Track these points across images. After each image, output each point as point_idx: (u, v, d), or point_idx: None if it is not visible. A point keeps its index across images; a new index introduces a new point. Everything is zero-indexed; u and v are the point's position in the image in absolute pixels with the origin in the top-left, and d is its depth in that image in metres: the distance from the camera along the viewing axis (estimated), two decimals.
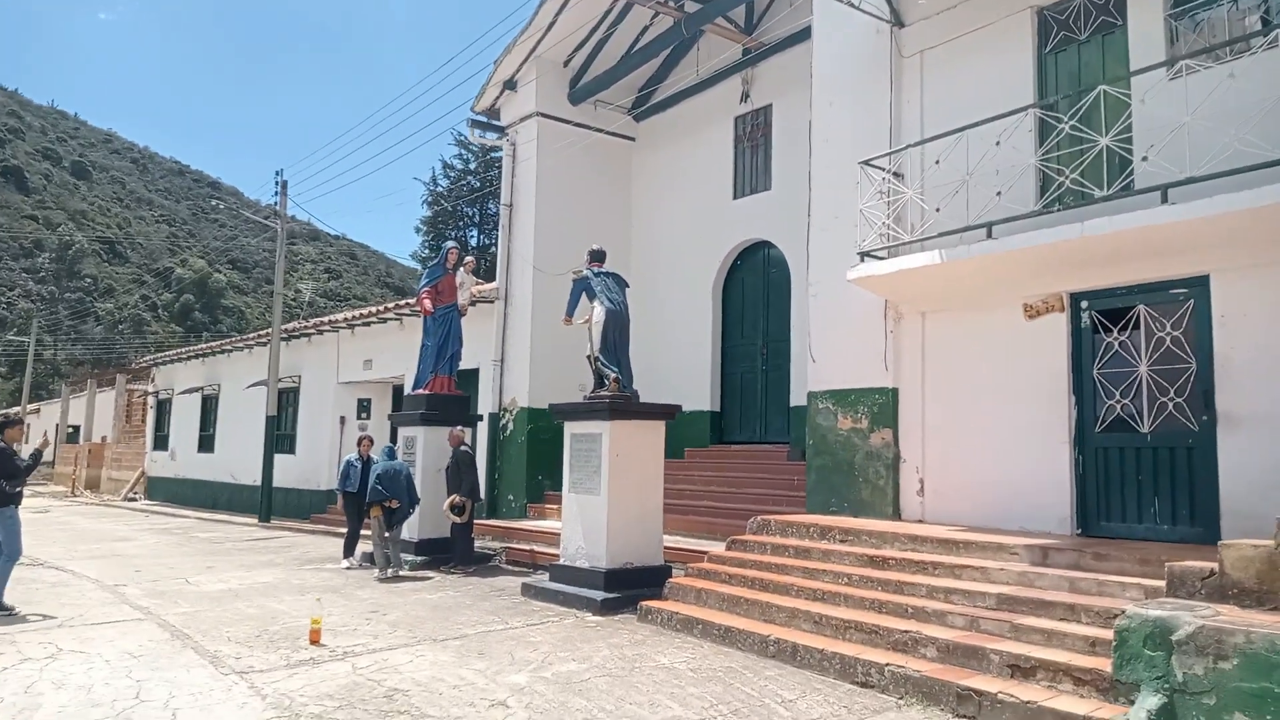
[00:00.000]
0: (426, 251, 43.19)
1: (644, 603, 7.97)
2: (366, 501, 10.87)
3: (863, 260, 8.59)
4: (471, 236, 42.91)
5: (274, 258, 20.70)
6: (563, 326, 14.29)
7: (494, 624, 7.89)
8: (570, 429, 9.31)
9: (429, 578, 10.83)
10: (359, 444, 12.07)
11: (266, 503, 18.71)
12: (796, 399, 12.38)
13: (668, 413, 9.30)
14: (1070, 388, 7.71)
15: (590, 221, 15.04)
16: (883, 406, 8.98)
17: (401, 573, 11.02)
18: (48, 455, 28.01)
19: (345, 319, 18.55)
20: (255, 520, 18.88)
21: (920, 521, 8.58)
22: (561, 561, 9.22)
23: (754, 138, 13.68)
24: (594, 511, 8.87)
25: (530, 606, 8.73)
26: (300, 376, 20.70)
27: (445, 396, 12.14)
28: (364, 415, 19.61)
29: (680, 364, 14.01)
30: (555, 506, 13.31)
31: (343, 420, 19.39)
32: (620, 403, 8.88)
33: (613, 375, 9.02)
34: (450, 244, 12.31)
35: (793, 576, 7.54)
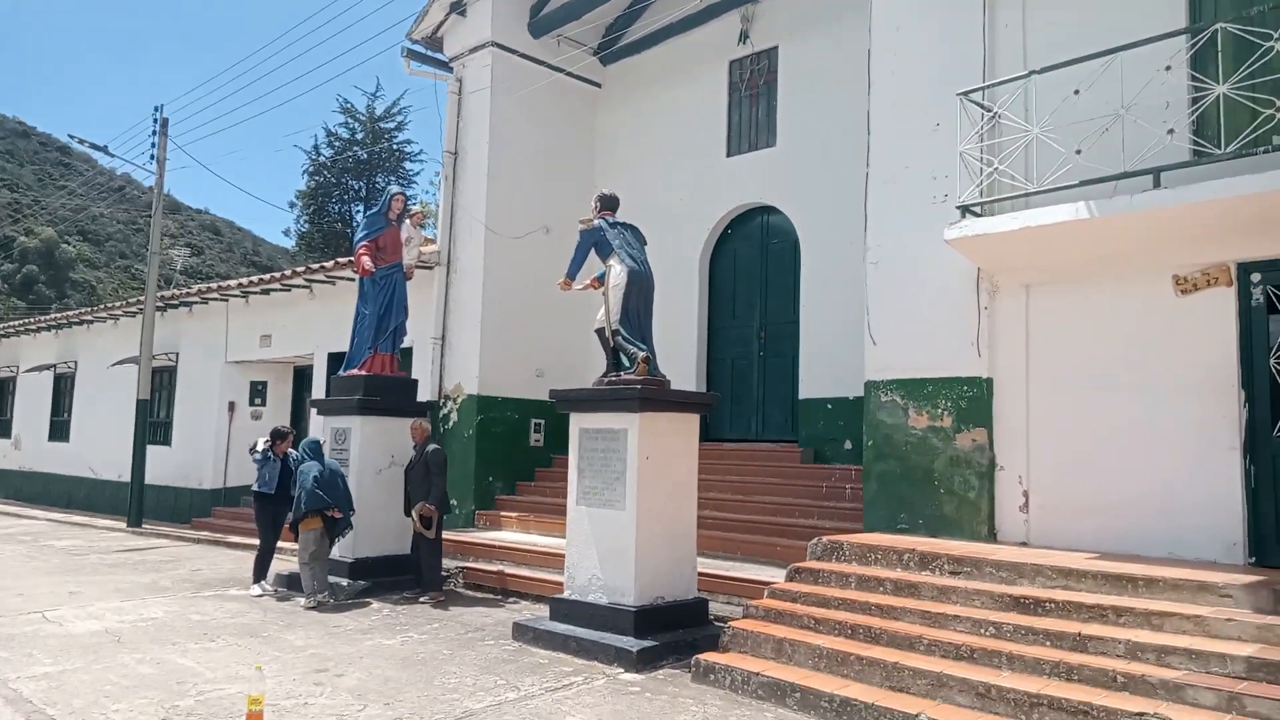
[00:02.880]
0: (305, 226, 39.55)
1: (701, 657, 5.98)
2: (302, 509, 8.44)
3: (964, 217, 6.83)
4: (357, 212, 39.57)
5: (129, 230, 17.51)
6: (516, 298, 11.93)
7: (500, 690, 5.74)
8: (580, 423, 7.21)
9: (369, 607, 8.50)
10: (276, 441, 9.52)
11: (137, 504, 15.63)
12: (807, 390, 10.63)
13: (704, 403, 7.33)
14: (1240, 381, 6.17)
15: (549, 179, 12.87)
16: (973, 401, 7.28)
17: (335, 600, 8.64)
18: None
19: (239, 285, 15.66)
20: (124, 524, 15.75)
21: (1024, 545, 6.93)
22: (567, 595, 7.12)
23: (754, 85, 11.80)
24: (616, 531, 6.81)
25: (533, 658, 6.59)
26: (178, 354, 17.59)
27: (388, 379, 9.75)
28: (258, 401, 16.75)
29: (658, 349, 11.94)
30: (511, 515, 11.15)
31: (232, 406, 16.49)
32: (653, 390, 6.84)
33: (642, 354, 6.96)
34: (394, 189, 9.91)
35: (910, 623, 5.72)
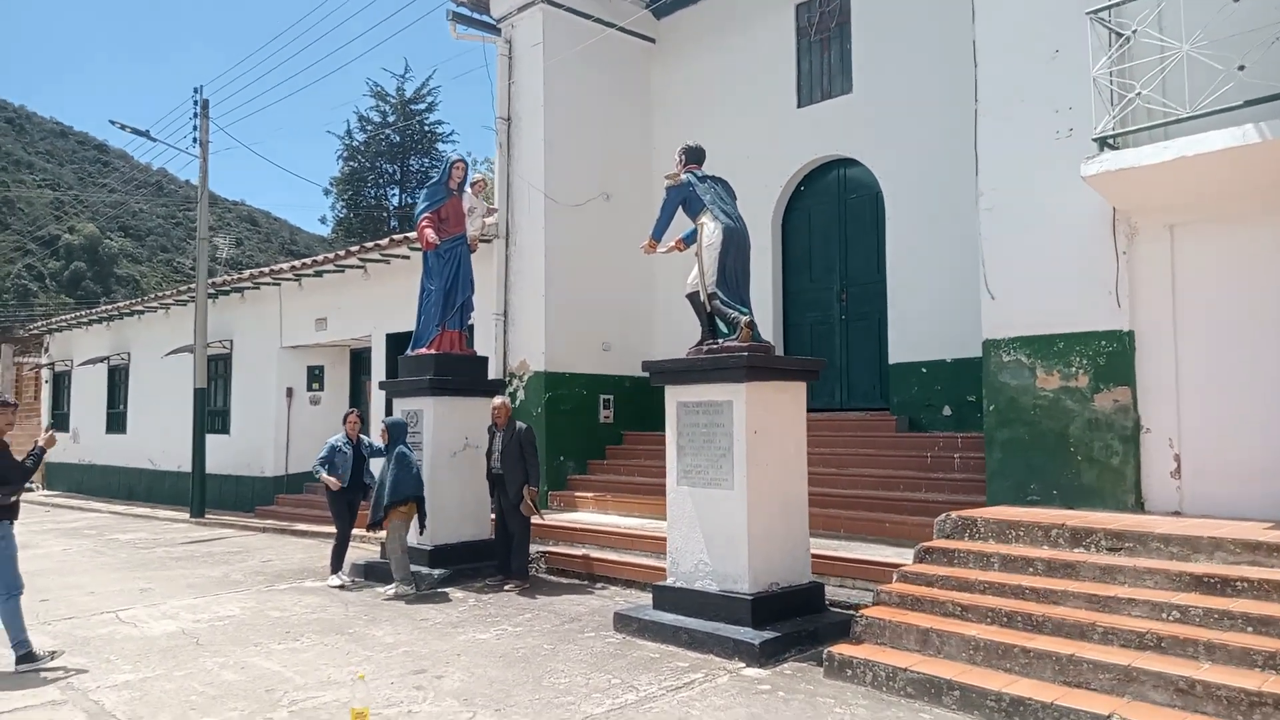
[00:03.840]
0: (342, 212, 39.31)
1: (834, 650, 5.40)
2: (394, 497, 8.01)
3: (1102, 150, 6.08)
4: (393, 196, 39.24)
5: (169, 224, 17.19)
6: (579, 269, 11.82)
7: (616, 691, 5.22)
8: (678, 396, 6.63)
9: (453, 597, 8.06)
10: (345, 422, 9.10)
11: (200, 494, 15.44)
12: (897, 354, 9.94)
13: (812, 369, 6.70)
14: None
15: (606, 144, 12.24)
16: (1112, 357, 6.57)
17: (417, 590, 8.22)
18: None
19: (291, 268, 15.28)
20: (187, 515, 15.59)
21: (1178, 514, 6.24)
22: (671, 582, 6.58)
23: (824, 29, 11.01)
24: (724, 512, 6.24)
25: (642, 651, 6.08)
26: (232, 341, 17.33)
27: (458, 357, 9.25)
28: (316, 385, 16.43)
29: None
30: (586, 495, 10.66)
31: (290, 392, 16.18)
32: (760, 356, 6.23)
33: (745, 318, 6.34)
34: (455, 156, 9.34)
35: (1075, 608, 5.08)
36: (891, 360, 10.00)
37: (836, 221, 10.96)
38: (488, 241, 11.57)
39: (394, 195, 39.27)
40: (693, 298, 6.88)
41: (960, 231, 9.42)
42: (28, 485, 6.68)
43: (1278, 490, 5.88)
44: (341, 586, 8.59)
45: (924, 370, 9.68)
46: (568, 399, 11.50)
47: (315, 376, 16.49)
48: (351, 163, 38.32)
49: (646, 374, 12.10)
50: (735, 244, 6.61)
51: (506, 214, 11.90)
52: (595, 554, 8.76)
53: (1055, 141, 6.85)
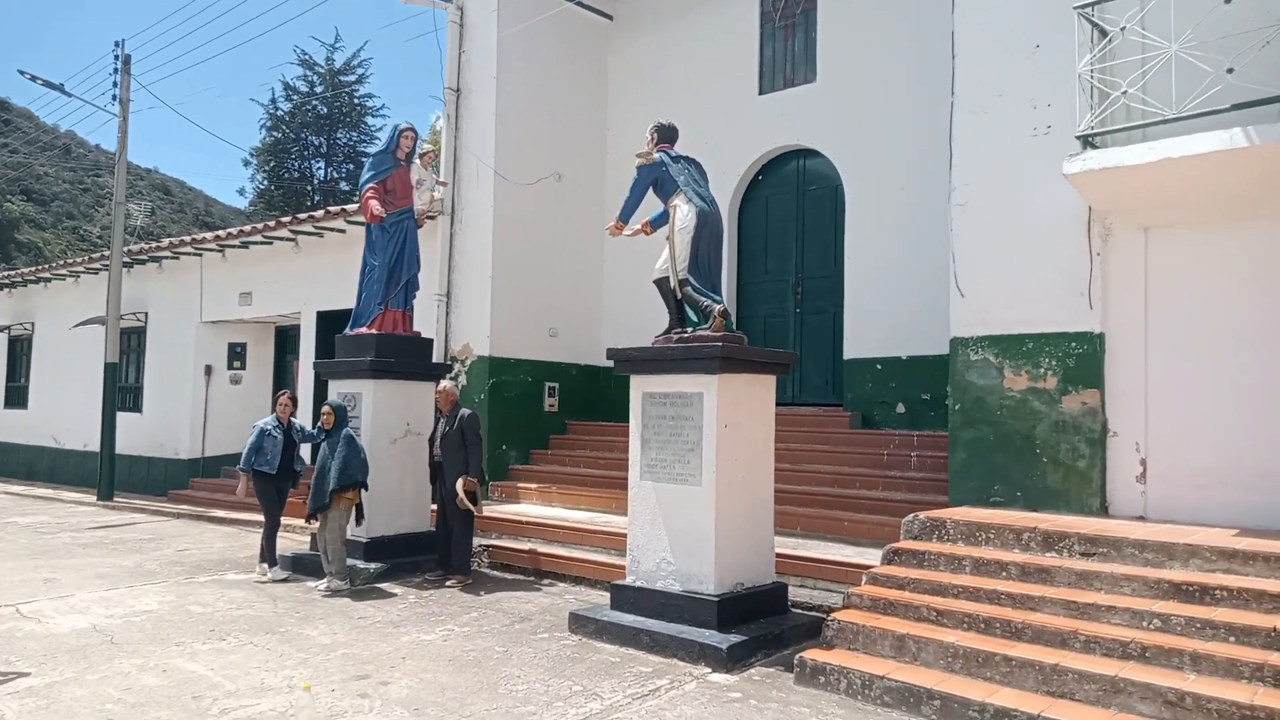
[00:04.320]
0: (263, 184, 37.77)
1: (806, 656, 5.18)
2: (342, 481, 7.50)
3: (1085, 148, 5.98)
4: (318, 169, 37.87)
5: (75, 189, 16.11)
6: (527, 251, 11.56)
7: (579, 700, 4.89)
8: (644, 386, 6.31)
9: (392, 593, 7.61)
10: (277, 405, 8.52)
11: (108, 475, 14.48)
12: (853, 349, 9.82)
13: (784, 362, 6.46)
14: None
15: (559, 122, 11.83)
16: (1082, 359, 6.50)
17: (352, 585, 7.74)
18: None
19: (215, 238, 14.41)
20: (94, 497, 14.61)
21: (1141, 519, 6.21)
22: (631, 581, 6.27)
23: (790, 14, 10.79)
24: (690, 509, 5.96)
25: (601, 655, 5.76)
26: (147, 314, 16.31)
27: (401, 338, 8.75)
28: (237, 364, 15.59)
29: None
30: (530, 486, 10.28)
31: (209, 370, 15.30)
32: (734, 348, 5.95)
33: (719, 307, 6.06)
34: (403, 124, 8.78)
35: (1053, 615, 4.96)
36: (846, 355, 9.88)
37: (794, 213, 10.78)
38: (433, 218, 11.03)
39: (319, 169, 37.89)
40: (661, 283, 6.57)
41: (922, 228, 9.36)
42: None
43: (1240, 497, 5.88)
44: (267, 580, 8.03)
45: (879, 366, 9.58)
46: (512, 386, 11.08)
47: (237, 354, 15.64)
48: (275, 133, 36.73)
49: (593, 363, 12.09)
50: (709, 228, 6.32)
51: (453, 190, 11.38)
52: (542, 549, 8.40)
53: (1033, 138, 6.74)
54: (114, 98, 15.43)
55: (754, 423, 6.21)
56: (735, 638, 5.57)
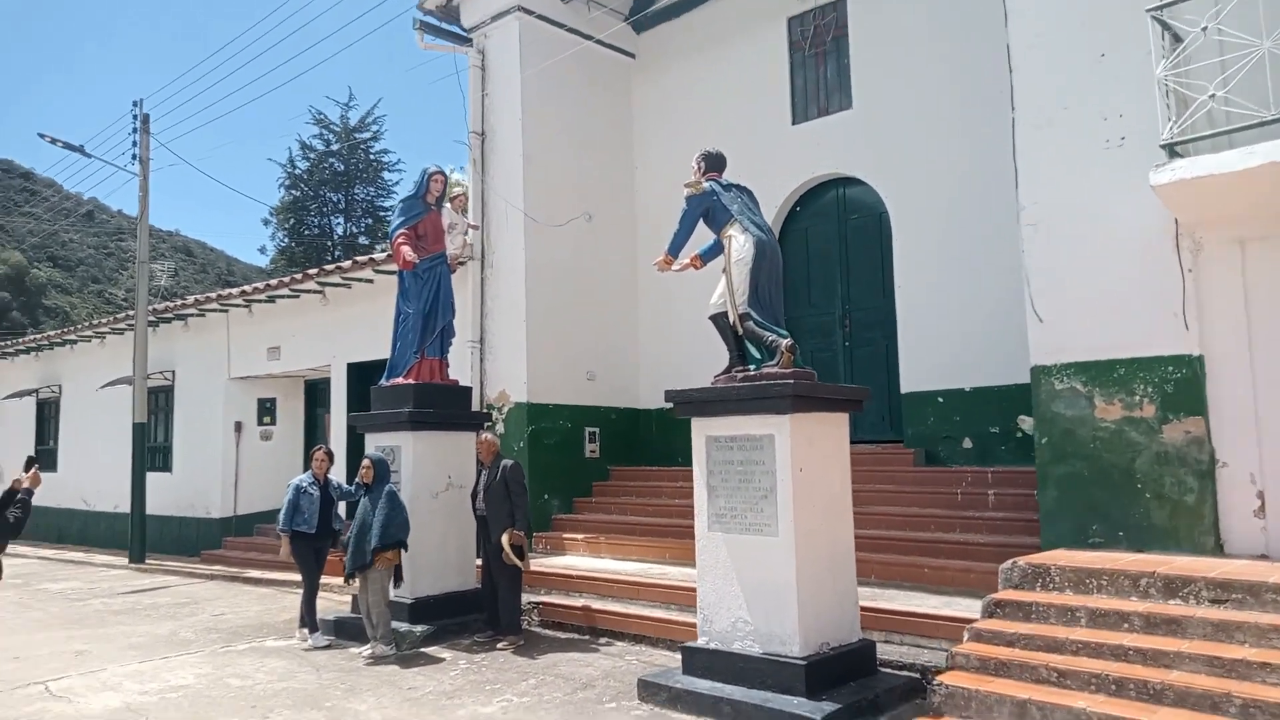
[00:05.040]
0: (284, 241, 37.98)
1: None
2: (383, 540, 7.10)
3: (1171, 157, 5.55)
4: (337, 225, 38.07)
5: (100, 254, 16.07)
6: (560, 294, 11.43)
7: None
8: (708, 429, 5.88)
9: (440, 659, 7.14)
10: (313, 461, 8.15)
11: (139, 537, 14.16)
12: (910, 383, 9.35)
13: (858, 399, 6.02)
14: None
15: (585, 162, 11.57)
16: (1180, 384, 6.01)
17: (398, 650, 7.28)
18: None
19: (241, 293, 14.20)
20: (125, 560, 14.27)
21: (1264, 558, 5.66)
22: (704, 643, 5.78)
23: (820, 42, 10.49)
24: (766, 562, 5.49)
25: None
26: (174, 372, 16.09)
27: (439, 387, 8.38)
28: (267, 420, 15.29)
29: (716, 345, 10.59)
30: (575, 536, 9.81)
31: (238, 426, 15.01)
32: (806, 385, 5.52)
33: (785, 342, 5.65)
34: (432, 168, 8.51)
35: (1194, 673, 4.44)
36: (904, 389, 9.40)
37: (837, 243, 10.38)
38: (463, 263, 10.71)
39: (338, 224, 38.12)
40: (719, 319, 6.17)
41: (976, 251, 8.95)
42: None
43: None
44: (312, 647, 7.59)
45: (940, 400, 9.09)
46: (551, 432, 10.67)
47: (266, 410, 15.35)
48: (294, 191, 37.05)
49: (632, 405, 11.66)
50: (768, 259, 5.94)
51: (482, 234, 11.09)
52: (596, 605, 7.91)
53: (1105, 150, 6.33)
54: (134, 157, 15.40)
55: (829, 465, 5.76)
56: (829, 706, 5.06)
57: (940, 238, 9.20)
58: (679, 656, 6.77)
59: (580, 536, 9.83)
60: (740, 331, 5.87)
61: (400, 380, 8.30)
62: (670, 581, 7.93)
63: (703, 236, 6.61)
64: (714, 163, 6.37)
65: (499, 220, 10.92)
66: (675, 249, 6.36)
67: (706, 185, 6.19)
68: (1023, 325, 8.51)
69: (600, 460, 11.20)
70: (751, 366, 5.88)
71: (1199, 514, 5.87)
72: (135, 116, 15.50)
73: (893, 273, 9.60)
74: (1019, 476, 7.93)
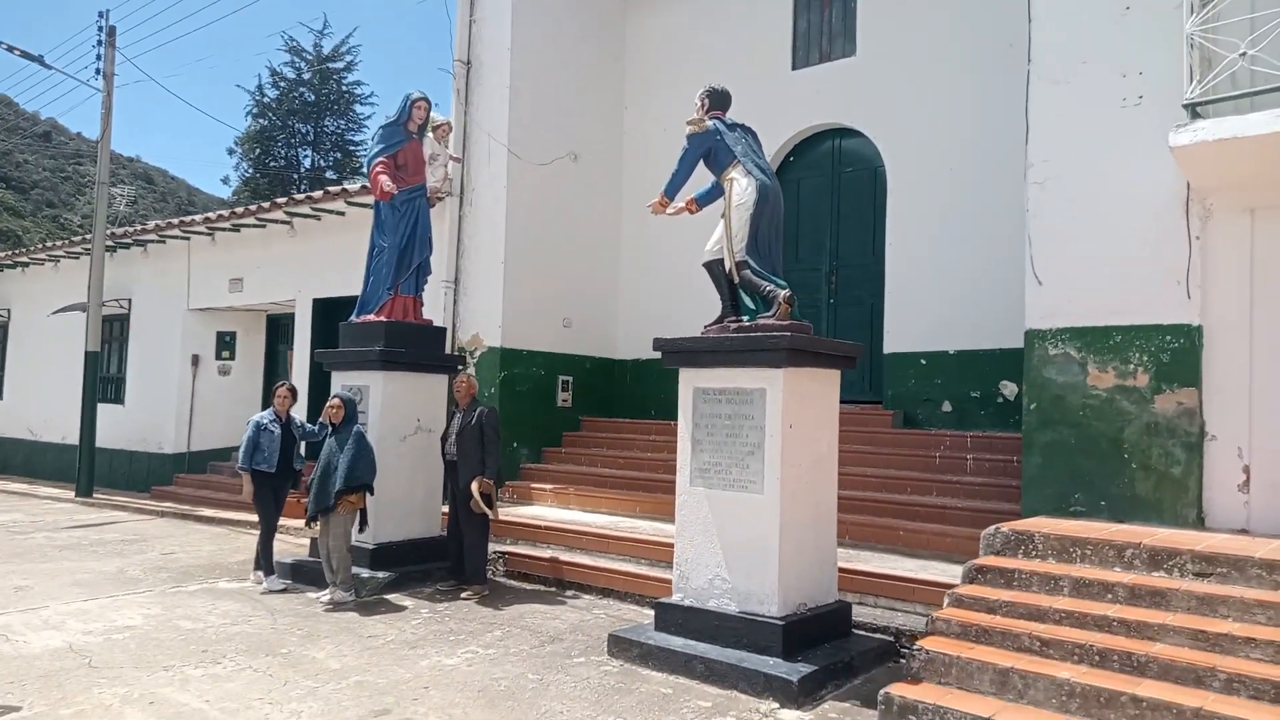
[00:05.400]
0: (248, 171, 36.80)
1: (892, 691, 4.50)
2: (349, 482, 6.80)
3: (1193, 117, 5.33)
4: (305, 158, 36.93)
5: (56, 177, 15.28)
6: (541, 236, 11.32)
7: None
8: (696, 380, 5.63)
9: (402, 606, 6.90)
10: (275, 397, 7.79)
11: (87, 470, 13.69)
12: (894, 344, 9.17)
13: (850, 355, 5.79)
14: None
15: (575, 98, 11.12)
16: (1178, 354, 5.86)
17: (358, 596, 7.03)
18: None
19: (205, 220, 13.61)
20: (71, 493, 13.81)
21: (1244, 531, 5.58)
22: (679, 599, 5.59)
23: None
24: (750, 519, 5.29)
25: (650, 685, 5.07)
26: (130, 300, 15.47)
27: (412, 326, 8.03)
28: (226, 354, 14.79)
29: (698, 295, 10.33)
30: (544, 487, 9.58)
31: (196, 360, 14.50)
32: (803, 338, 5.28)
33: (784, 293, 5.39)
34: (415, 94, 8.05)
35: (1178, 646, 4.31)
36: (886, 349, 9.23)
37: (828, 197, 10.11)
38: (442, 198, 10.27)
39: (306, 157, 36.99)
40: (712, 266, 5.89)
41: (973, 212, 8.75)
42: None
43: None
44: (267, 590, 7.31)
45: (923, 362, 8.93)
46: (524, 379, 10.37)
47: (226, 344, 14.84)
48: (261, 119, 35.76)
49: (608, 355, 11.38)
50: (771, 205, 5.65)
51: (463, 169, 10.64)
52: (564, 557, 7.70)
53: (1122, 109, 6.09)
54: (98, 71, 14.59)
55: (819, 423, 5.55)
56: (805, 668, 4.90)
57: (937, 196, 8.97)
58: (650, 612, 6.59)
59: (549, 487, 9.60)
60: (736, 280, 5.60)
61: (371, 317, 7.93)
62: (641, 535, 7.74)
63: (699, 180, 6.31)
64: (718, 100, 6.04)
65: (480, 155, 10.48)
66: (672, 190, 6.04)
67: (710, 124, 5.87)
68: (1013, 290, 8.36)
69: (572, 410, 10.94)
70: (745, 317, 5.62)
71: (1184, 486, 5.77)
72: (100, 29, 14.66)
73: (884, 230, 9.37)
74: (998, 442, 7.83)
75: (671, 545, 7.23)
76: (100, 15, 14.61)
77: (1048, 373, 6.32)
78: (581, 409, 11.02)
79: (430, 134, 8.34)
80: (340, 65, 35.90)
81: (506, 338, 10.20)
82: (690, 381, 5.65)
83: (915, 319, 9.00)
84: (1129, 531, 5.42)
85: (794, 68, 10.20)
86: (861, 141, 9.72)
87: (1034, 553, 5.38)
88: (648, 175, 11.33)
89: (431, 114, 8.28)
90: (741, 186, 5.62)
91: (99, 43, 14.49)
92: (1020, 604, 4.92)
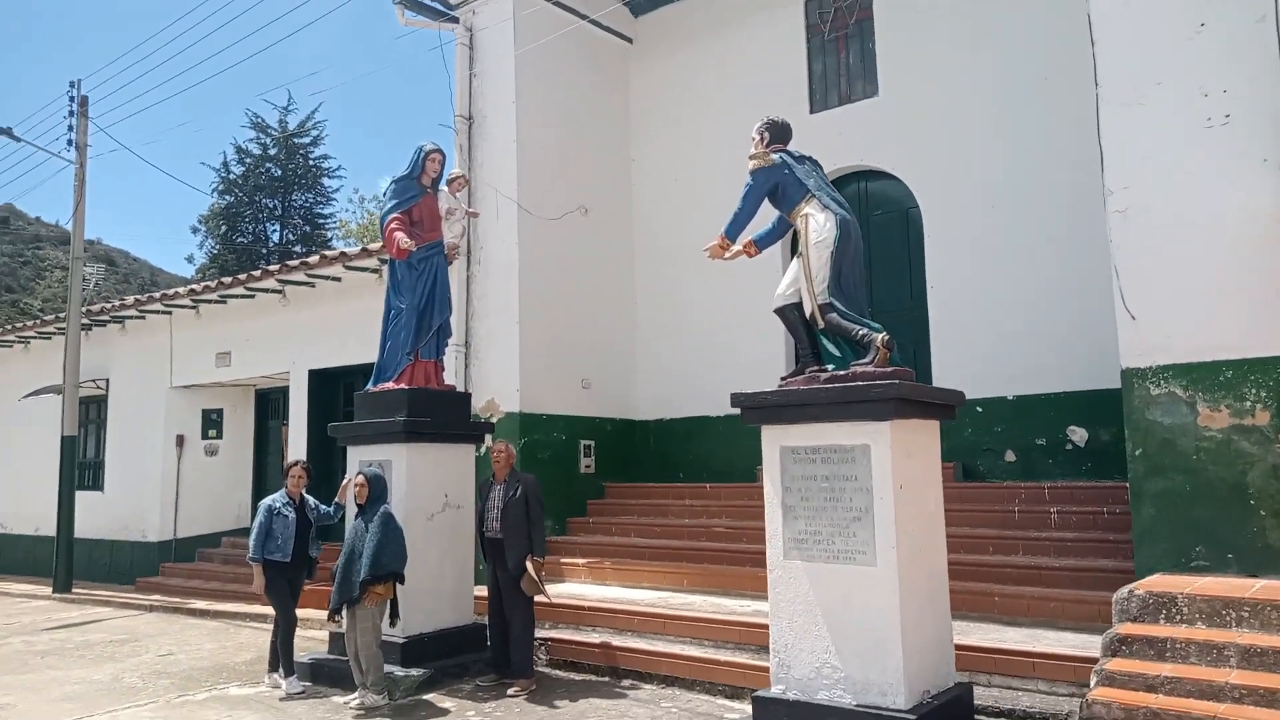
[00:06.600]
0: (216, 248, 36.11)
1: None
2: (375, 571, 6.05)
3: None
4: (273, 233, 36.38)
5: (15, 263, 14.80)
6: (555, 294, 11.35)
7: None
8: (782, 439, 5.01)
9: (444, 709, 6.11)
10: (288, 476, 7.07)
11: (65, 563, 12.71)
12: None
13: (953, 404, 5.23)
14: None
15: (581, 151, 10.70)
16: None
17: (390, 699, 6.23)
18: None
19: (189, 292, 12.91)
20: (48, 589, 12.78)
21: None
22: (779, 692, 4.89)
23: (841, 25, 9.82)
24: (860, 596, 4.64)
25: None
26: (108, 380, 14.63)
27: (436, 393, 7.36)
28: (213, 433, 13.95)
29: (734, 359, 9.84)
30: (576, 561, 8.86)
31: (180, 440, 13.64)
32: (909, 386, 4.72)
33: (881, 336, 4.84)
34: (428, 145, 7.53)
35: None
36: None
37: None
38: (458, 256, 9.67)
39: (274, 231, 36.39)
40: (788, 311, 5.35)
41: (1018, 250, 8.35)
42: None
43: None
44: (287, 695, 6.49)
45: (979, 410, 8.40)
46: (545, 445, 9.70)
47: (213, 422, 14.01)
48: (227, 196, 35.19)
49: (628, 416, 10.75)
50: (853, 241, 5.15)
51: (468, 227, 10.09)
52: (615, 641, 6.96)
53: (1208, 130, 5.69)
54: (70, 143, 13.98)
55: (927, 481, 4.96)
56: None
57: (977, 235, 8.57)
58: (730, 703, 5.93)
59: (581, 561, 8.86)
60: (820, 325, 5.04)
61: (391, 385, 7.25)
62: (699, 613, 7.03)
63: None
64: (780, 133, 5.56)
65: (488, 212, 9.94)
66: (735, 231, 5.51)
67: (776, 157, 5.37)
68: (1073, 329, 8.00)
69: (595, 476, 10.26)
70: (830, 365, 5.05)
71: None
72: (72, 99, 14.10)
73: (924, 272, 8.93)
74: (1080, 492, 7.28)
75: (738, 623, 6.65)
76: (72, 85, 14.05)
77: (1152, 415, 5.79)
78: (604, 474, 10.34)
79: (444, 188, 7.80)
80: (306, 140, 35.58)
81: (525, 402, 9.55)
82: (776, 440, 5.04)
83: (965, 363, 8.49)
84: (1263, 588, 4.83)
85: (812, 111, 9.84)
86: (890, 183, 9.33)
87: (1178, 618, 4.78)
88: (659, 227, 10.93)
89: (444, 163, 7.74)
90: (819, 222, 5.11)
91: (71, 113, 13.91)
92: (1186, 680, 4.30)
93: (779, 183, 5.33)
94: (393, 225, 7.26)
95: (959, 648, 5.66)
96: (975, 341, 8.45)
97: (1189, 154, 5.76)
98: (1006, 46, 8.55)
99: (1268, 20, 5.38)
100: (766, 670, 5.64)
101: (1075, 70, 7.57)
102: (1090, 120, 6.54)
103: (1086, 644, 5.53)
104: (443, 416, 7.26)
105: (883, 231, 9.50)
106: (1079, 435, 7.93)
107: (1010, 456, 8.23)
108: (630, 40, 11.45)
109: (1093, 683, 4.55)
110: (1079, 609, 6.05)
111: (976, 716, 5.07)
